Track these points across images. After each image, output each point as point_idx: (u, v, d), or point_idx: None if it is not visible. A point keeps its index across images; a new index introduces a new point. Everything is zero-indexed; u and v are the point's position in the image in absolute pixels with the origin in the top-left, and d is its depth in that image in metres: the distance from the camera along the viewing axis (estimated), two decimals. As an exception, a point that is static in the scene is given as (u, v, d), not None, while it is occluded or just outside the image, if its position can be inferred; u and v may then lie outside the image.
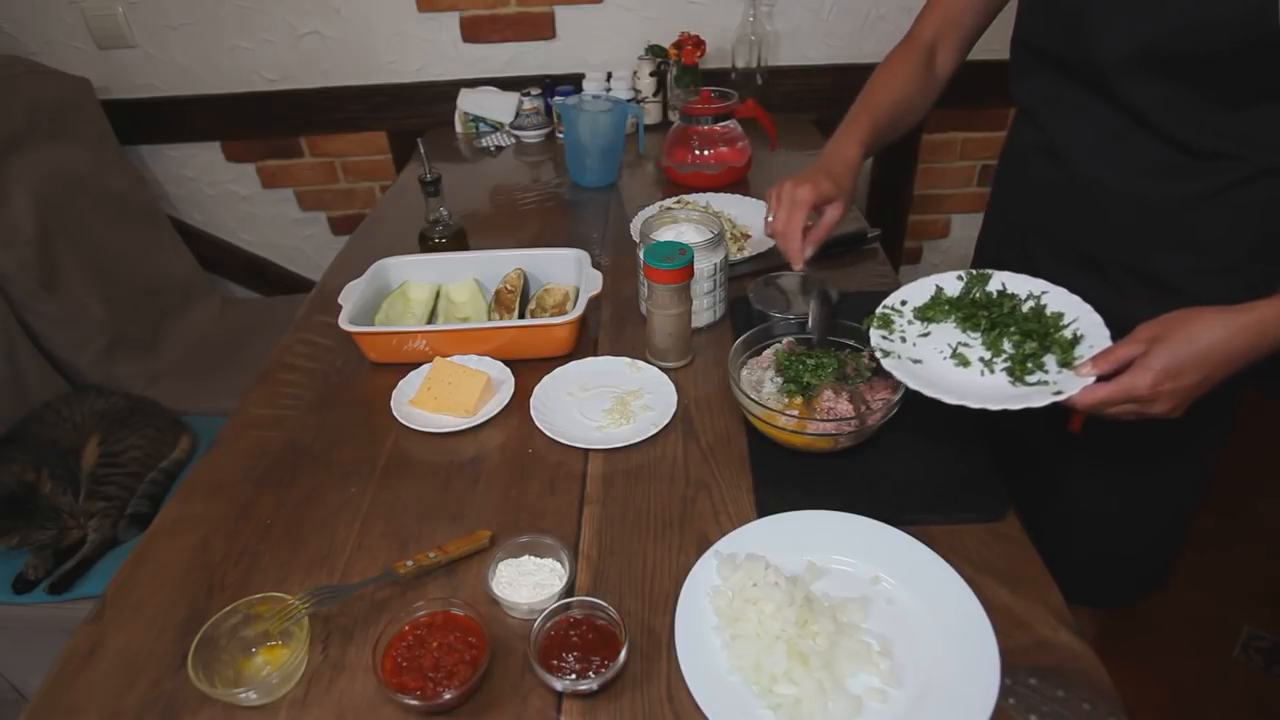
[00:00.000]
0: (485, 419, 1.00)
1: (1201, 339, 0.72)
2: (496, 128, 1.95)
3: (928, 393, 0.80)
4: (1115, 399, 0.75)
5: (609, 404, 1.02)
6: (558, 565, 0.79)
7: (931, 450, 0.90)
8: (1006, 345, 0.84)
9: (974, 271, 0.92)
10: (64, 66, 1.84)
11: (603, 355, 1.11)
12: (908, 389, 0.85)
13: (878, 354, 0.87)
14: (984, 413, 0.79)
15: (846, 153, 1.01)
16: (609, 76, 1.91)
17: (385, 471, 0.95)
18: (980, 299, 0.90)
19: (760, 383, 0.95)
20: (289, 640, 0.73)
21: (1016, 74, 0.99)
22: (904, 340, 0.89)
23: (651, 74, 1.88)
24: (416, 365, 1.09)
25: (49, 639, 1.07)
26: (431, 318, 1.20)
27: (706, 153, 1.59)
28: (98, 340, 1.70)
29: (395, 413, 1.01)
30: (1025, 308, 0.88)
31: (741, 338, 0.97)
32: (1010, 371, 0.82)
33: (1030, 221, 1.03)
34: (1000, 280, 0.91)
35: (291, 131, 2.08)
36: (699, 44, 1.84)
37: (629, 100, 1.86)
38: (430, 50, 1.98)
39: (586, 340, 1.15)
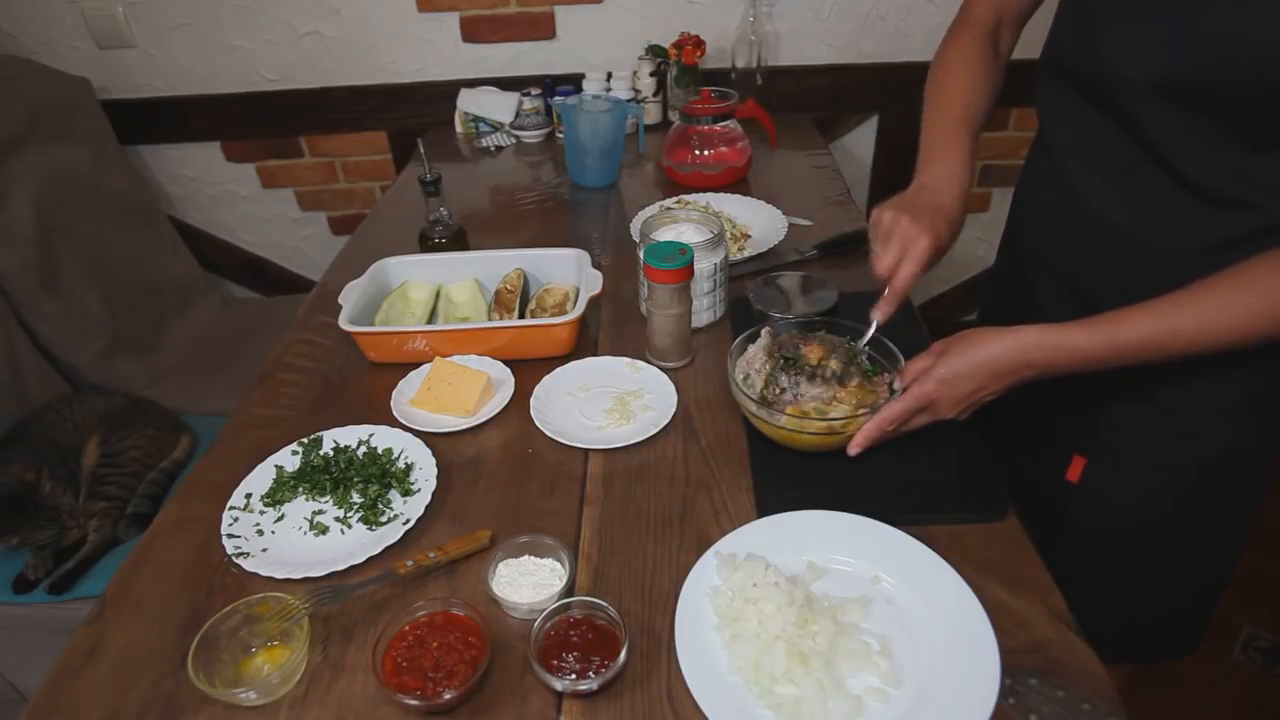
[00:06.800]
0: (485, 419, 1.00)
1: (979, 353, 0.80)
2: (496, 128, 1.95)
3: (279, 575, 0.79)
4: (910, 408, 0.82)
5: (609, 404, 1.02)
6: (558, 565, 0.79)
7: (931, 450, 0.90)
8: (355, 496, 0.90)
9: (305, 440, 0.97)
10: (64, 66, 1.84)
11: (603, 355, 1.11)
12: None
13: (232, 554, 0.83)
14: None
15: (963, 184, 0.91)
16: (609, 76, 1.91)
17: (385, 471, 0.94)
18: (319, 462, 0.93)
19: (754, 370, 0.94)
20: (289, 640, 0.73)
21: (1039, 90, 0.93)
22: (261, 533, 0.86)
23: (651, 74, 1.88)
24: (416, 365, 1.09)
25: (49, 639, 1.07)
26: (431, 318, 1.20)
27: (706, 153, 1.59)
28: (98, 340, 1.70)
29: (395, 413, 1.01)
30: (360, 454, 0.94)
31: (740, 337, 0.97)
32: (364, 520, 0.87)
33: (1038, 253, 0.99)
34: (331, 438, 0.97)
35: (291, 131, 2.09)
36: (699, 44, 1.84)
37: (629, 100, 1.86)
38: (430, 50, 1.98)
39: (586, 340, 1.15)
